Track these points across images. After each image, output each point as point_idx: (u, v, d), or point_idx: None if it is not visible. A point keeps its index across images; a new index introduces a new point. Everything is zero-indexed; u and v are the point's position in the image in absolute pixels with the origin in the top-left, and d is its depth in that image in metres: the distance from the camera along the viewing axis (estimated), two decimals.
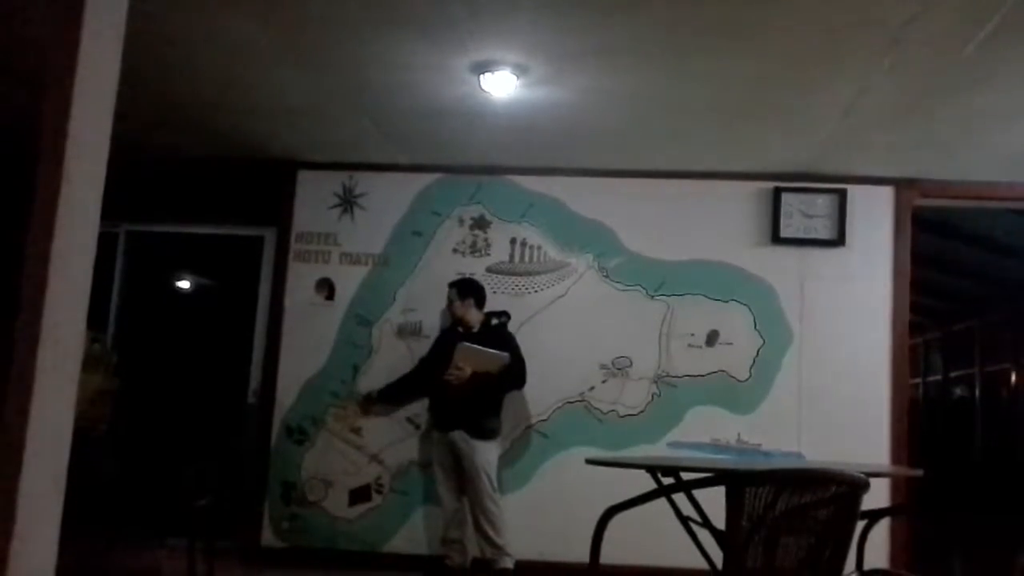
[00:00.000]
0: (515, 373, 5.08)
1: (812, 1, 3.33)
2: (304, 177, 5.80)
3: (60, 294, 1.56)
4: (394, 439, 5.52)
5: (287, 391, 5.61)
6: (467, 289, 5.29)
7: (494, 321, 5.31)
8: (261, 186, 5.79)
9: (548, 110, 4.61)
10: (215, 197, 5.86)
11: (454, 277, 5.41)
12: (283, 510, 5.52)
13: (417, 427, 5.50)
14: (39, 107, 1.63)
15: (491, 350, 5.03)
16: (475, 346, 5.03)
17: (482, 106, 4.56)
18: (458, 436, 5.02)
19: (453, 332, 5.29)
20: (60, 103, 1.60)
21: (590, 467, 3.22)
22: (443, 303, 5.46)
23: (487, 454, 5.04)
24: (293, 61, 4.17)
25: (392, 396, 5.48)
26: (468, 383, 4.98)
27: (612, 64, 4.03)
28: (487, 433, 5.05)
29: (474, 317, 5.25)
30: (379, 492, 5.50)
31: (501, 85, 4.22)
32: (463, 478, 5.05)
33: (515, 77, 4.16)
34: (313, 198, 5.78)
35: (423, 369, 5.37)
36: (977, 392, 9.46)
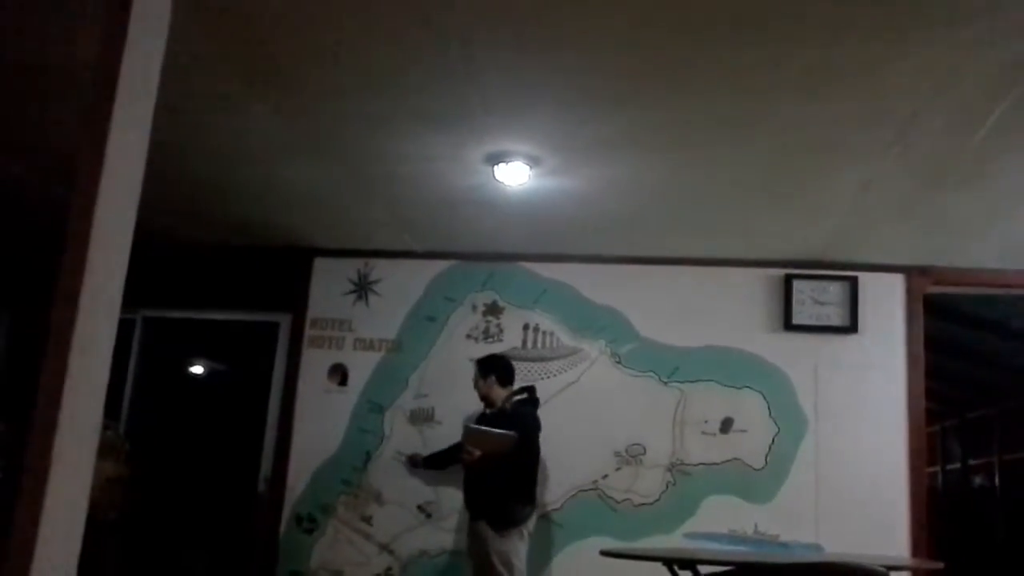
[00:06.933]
0: (523, 448, 4.79)
1: (819, 94, 3.40)
2: (320, 264, 5.88)
3: (79, 384, 1.58)
4: (404, 528, 5.44)
5: (298, 478, 5.57)
6: (488, 366, 5.08)
7: (516, 398, 5.07)
8: (277, 273, 5.87)
9: (560, 199, 4.68)
10: (232, 284, 5.92)
11: (468, 360, 5.38)
12: None
13: (428, 516, 5.43)
14: (66, 196, 1.67)
15: (496, 430, 4.74)
16: (479, 427, 4.81)
17: (496, 195, 4.64)
18: (481, 526, 4.76)
19: (482, 412, 5.09)
20: (87, 194, 1.64)
21: (605, 558, 3.17)
22: (455, 388, 5.45)
23: (506, 545, 4.69)
24: (311, 152, 4.27)
25: (437, 465, 5.33)
26: (481, 467, 4.73)
27: (622, 155, 4.11)
28: (508, 523, 4.74)
29: (498, 395, 5.02)
30: None
31: (514, 175, 4.30)
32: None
33: (528, 167, 4.24)
34: (328, 284, 5.84)
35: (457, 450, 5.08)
36: (997, 481, 9.28)
